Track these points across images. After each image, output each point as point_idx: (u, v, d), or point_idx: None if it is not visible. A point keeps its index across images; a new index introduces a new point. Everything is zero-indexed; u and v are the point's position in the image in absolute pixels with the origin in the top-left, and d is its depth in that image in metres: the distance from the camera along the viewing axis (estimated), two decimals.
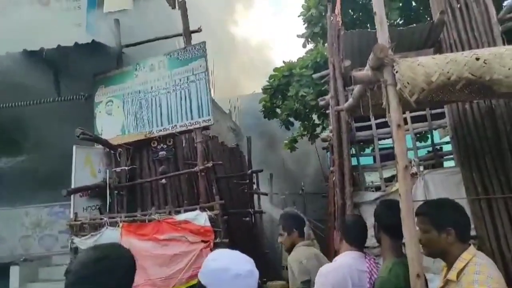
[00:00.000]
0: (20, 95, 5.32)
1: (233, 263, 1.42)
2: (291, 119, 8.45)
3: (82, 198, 4.71)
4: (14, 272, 6.01)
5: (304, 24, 8.32)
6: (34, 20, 5.41)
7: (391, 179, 4.68)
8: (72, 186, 4.52)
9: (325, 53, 7.42)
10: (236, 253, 1.49)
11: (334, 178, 3.97)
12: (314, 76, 4.56)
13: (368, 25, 8.71)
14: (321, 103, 4.33)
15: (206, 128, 4.78)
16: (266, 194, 8.94)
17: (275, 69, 8.06)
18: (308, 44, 8.55)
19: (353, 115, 3.57)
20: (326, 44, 8.96)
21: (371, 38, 3.55)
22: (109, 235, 4.30)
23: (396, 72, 1.94)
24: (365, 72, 2.15)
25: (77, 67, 4.85)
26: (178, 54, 4.87)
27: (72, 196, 4.49)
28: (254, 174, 7.43)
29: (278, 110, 8.59)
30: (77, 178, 4.60)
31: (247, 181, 7.31)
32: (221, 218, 4.31)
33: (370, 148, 7.40)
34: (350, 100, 2.96)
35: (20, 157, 6.26)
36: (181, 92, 4.79)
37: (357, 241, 2.32)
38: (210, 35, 4.95)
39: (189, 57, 4.79)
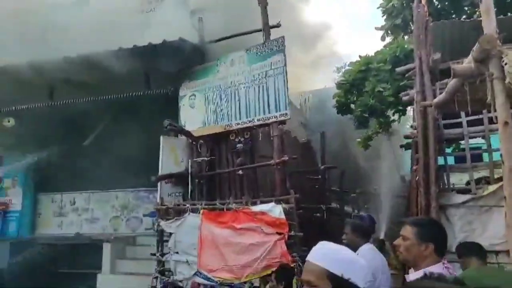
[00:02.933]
0: (114, 89, 5.87)
1: (355, 255, 1.44)
2: (366, 115, 8.16)
3: (167, 185, 5.08)
4: (106, 248, 6.71)
5: (383, 16, 7.96)
6: (126, 20, 5.91)
7: (477, 181, 4.32)
8: (159, 173, 4.89)
9: (406, 46, 7.02)
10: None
11: (417, 178, 3.78)
12: (397, 70, 4.36)
13: (454, 15, 8.06)
14: (405, 98, 4.13)
15: (282, 122, 4.85)
16: (337, 191, 8.79)
17: (351, 64, 7.83)
18: (387, 37, 8.17)
19: (443, 111, 3.36)
20: (406, 37, 8.51)
21: (465, 29, 3.31)
22: (191, 220, 4.60)
23: (505, 64, 1.79)
24: (467, 65, 2.02)
25: (165, 63, 5.20)
26: (257, 49, 4.99)
27: (159, 182, 4.86)
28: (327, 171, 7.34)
29: (352, 106, 8.35)
30: (163, 166, 4.96)
31: (319, 177, 7.25)
32: (296, 212, 4.36)
33: (451, 147, 6.88)
34: (442, 95, 2.78)
35: (111, 145, 6.92)
36: (259, 86, 4.91)
37: (444, 253, 2.00)
38: (280, 29, 4.98)
39: (268, 52, 4.89)
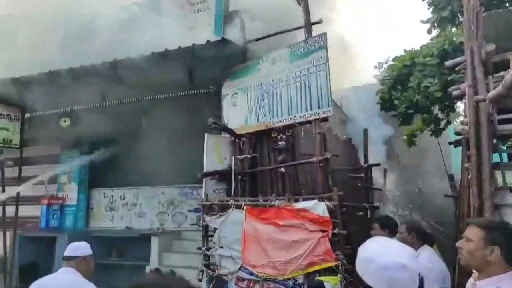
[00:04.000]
0: (158, 89, 6.12)
1: (379, 254, 1.37)
2: (410, 111, 7.89)
3: (211, 181, 5.23)
4: (154, 242, 7.02)
5: (429, 9, 7.63)
6: (170, 22, 6.14)
7: None
8: (204, 170, 5.05)
9: (454, 39, 6.71)
10: (391, 244, 1.46)
11: (469, 176, 3.62)
12: (446, 63, 4.17)
13: (507, 4, 7.55)
14: (455, 92, 3.95)
15: (324, 119, 4.82)
16: (380, 190, 8.58)
17: (395, 59, 7.59)
18: (433, 30, 7.82)
19: (497, 105, 3.19)
20: (454, 29, 8.09)
21: None
22: (235, 216, 4.70)
23: None
24: None
25: (208, 63, 5.36)
26: (299, 47, 4.99)
27: (204, 179, 5.02)
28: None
29: (396, 102, 8.10)
30: (207, 163, 5.11)
31: (362, 174, 7.11)
32: (339, 209, 4.33)
33: (506, 144, 6.47)
34: (498, 88, 2.66)
35: (157, 143, 7.21)
36: (301, 83, 4.91)
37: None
38: (321, 25, 4.95)
39: (310, 49, 4.87)
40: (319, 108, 4.70)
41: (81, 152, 8.55)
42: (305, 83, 4.86)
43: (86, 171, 8.74)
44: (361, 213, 6.99)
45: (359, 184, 7.46)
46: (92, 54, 5.76)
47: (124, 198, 8.68)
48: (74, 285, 2.84)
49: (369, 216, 6.77)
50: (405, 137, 8.93)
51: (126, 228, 8.36)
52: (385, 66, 21.04)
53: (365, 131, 6.92)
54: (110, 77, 5.95)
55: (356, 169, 7.26)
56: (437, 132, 8.20)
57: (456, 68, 4.12)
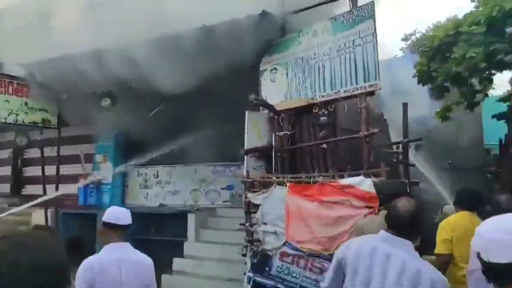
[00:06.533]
0: (196, 66, 6.03)
1: None
2: (447, 84, 7.55)
3: (251, 159, 5.19)
4: (191, 219, 7.16)
5: None
6: None
7: None
8: (245, 147, 5.01)
9: (504, 4, 6.28)
10: None
11: None
12: (508, 31, 3.91)
13: None
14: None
15: (371, 93, 4.65)
16: (414, 165, 8.38)
17: (435, 29, 7.26)
18: None
19: None
20: None
21: None
22: (278, 193, 4.67)
23: None
24: None
25: (247, 37, 5.21)
26: (343, 18, 4.78)
27: (245, 156, 4.99)
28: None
29: (434, 75, 7.76)
30: (248, 140, 5.06)
31: (400, 150, 6.93)
32: (386, 185, 4.23)
33: None
34: None
35: (190, 122, 7.22)
36: (345, 56, 4.73)
37: None
38: None
39: (355, 19, 4.66)
40: (365, 81, 4.53)
41: (116, 132, 8.67)
42: (350, 56, 4.68)
43: (121, 150, 8.90)
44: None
45: (394, 160, 7.29)
46: (128, 29, 5.69)
47: (157, 176, 8.83)
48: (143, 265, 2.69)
49: (408, 192, 6.64)
50: (438, 110, 8.60)
51: (161, 205, 8.54)
52: (413, 38, 20.25)
53: (405, 105, 6.67)
54: (148, 55, 5.89)
55: (392, 144, 7.08)
56: (473, 106, 7.86)
57: None
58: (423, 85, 8.22)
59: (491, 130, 9.74)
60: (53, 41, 6.46)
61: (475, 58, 6.43)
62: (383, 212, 3.15)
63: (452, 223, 3.54)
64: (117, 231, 2.66)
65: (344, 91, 4.73)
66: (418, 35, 18.74)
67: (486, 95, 7.85)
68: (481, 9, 6.87)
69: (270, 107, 5.16)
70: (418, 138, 6.84)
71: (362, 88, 4.57)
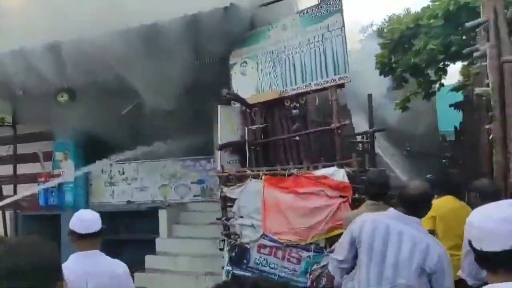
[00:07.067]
0: (164, 60, 5.87)
1: None
2: (405, 75, 7.93)
3: (225, 153, 5.17)
4: (162, 215, 7.03)
5: None
6: None
7: None
8: (219, 142, 4.98)
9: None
10: None
11: (490, 137, 3.72)
12: (467, 25, 4.14)
13: None
14: (476, 54, 3.96)
15: (341, 85, 4.77)
16: (376, 154, 8.74)
17: (396, 21, 7.51)
18: None
19: None
20: None
21: None
22: (253, 186, 4.71)
23: None
24: None
25: (214, 31, 5.14)
26: (311, 11, 4.84)
27: (219, 151, 4.96)
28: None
29: (394, 66, 8.09)
30: (222, 135, 5.04)
31: (364, 140, 7.22)
32: (359, 175, 4.40)
33: None
34: None
35: (160, 116, 7.03)
36: (315, 50, 4.81)
37: None
38: None
39: (323, 13, 4.74)
40: (335, 74, 4.64)
41: (76, 128, 8.25)
42: (319, 49, 4.76)
43: (83, 147, 8.51)
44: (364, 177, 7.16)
45: (359, 149, 7.58)
46: (89, 23, 5.43)
47: (123, 173, 8.56)
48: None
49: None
50: (397, 101, 9.00)
51: (128, 202, 8.31)
52: (370, 30, 20.91)
53: (370, 96, 6.94)
54: (108, 50, 5.64)
55: (358, 134, 7.35)
56: (430, 96, 8.31)
57: (477, 29, 4.11)
58: (384, 76, 8.56)
59: (445, 118, 10.32)
60: (4, 33, 6.00)
61: (434, 50, 6.79)
62: (366, 203, 3.29)
63: (436, 205, 3.77)
64: (88, 239, 2.35)
65: (315, 84, 4.83)
66: (374, 27, 19.34)
67: (442, 85, 8.33)
68: (437, 3, 7.24)
69: (242, 101, 5.15)
70: (381, 128, 7.13)
71: (332, 81, 4.68)
